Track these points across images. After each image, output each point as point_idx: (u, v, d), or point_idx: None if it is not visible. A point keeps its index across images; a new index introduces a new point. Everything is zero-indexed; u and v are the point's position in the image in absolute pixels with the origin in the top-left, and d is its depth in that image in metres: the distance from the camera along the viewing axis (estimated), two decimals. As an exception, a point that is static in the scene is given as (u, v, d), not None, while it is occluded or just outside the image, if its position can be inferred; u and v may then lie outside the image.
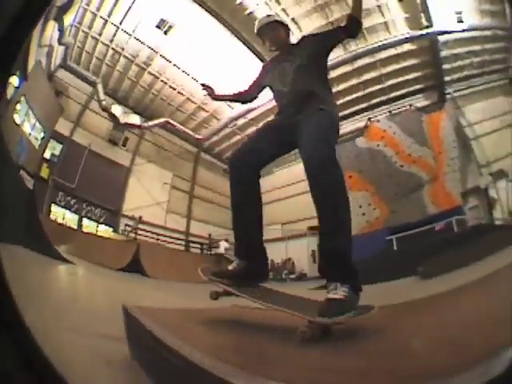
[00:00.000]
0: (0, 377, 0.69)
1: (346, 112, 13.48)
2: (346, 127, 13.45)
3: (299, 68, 2.12)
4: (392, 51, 13.00)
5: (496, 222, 11.30)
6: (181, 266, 9.40)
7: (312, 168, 1.79)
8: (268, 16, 2.44)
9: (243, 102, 2.60)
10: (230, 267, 2.03)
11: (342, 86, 13.56)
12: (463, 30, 12.04)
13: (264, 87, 2.45)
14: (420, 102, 13.44)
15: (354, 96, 13.67)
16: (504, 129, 11.91)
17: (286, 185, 14.52)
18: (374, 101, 13.61)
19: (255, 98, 2.53)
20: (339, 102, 13.62)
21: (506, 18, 11.21)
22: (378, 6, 11.62)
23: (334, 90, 13.75)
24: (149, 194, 13.67)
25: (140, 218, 12.71)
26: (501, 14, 11.22)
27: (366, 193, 12.75)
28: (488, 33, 11.99)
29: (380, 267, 7.75)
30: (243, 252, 2.05)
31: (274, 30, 2.35)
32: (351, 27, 2.16)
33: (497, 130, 12.04)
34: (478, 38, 12.22)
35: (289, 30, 2.43)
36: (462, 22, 12.07)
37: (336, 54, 12.73)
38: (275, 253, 12.84)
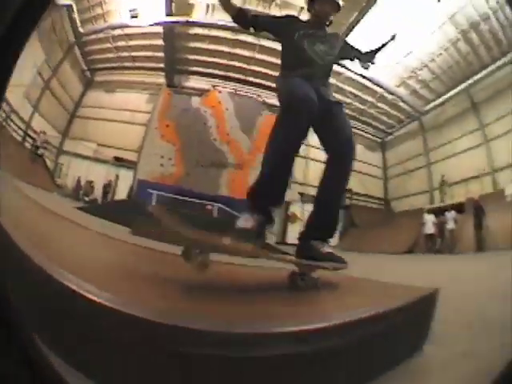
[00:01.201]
0: (0, 377, 0.66)
1: (205, 70, 13.50)
2: (195, 82, 13.55)
3: (332, 53, 2.48)
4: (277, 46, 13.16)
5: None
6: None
7: (348, 150, 2.36)
8: None
9: (236, 21, 2.49)
10: (249, 225, 1.98)
11: (218, 47, 13.47)
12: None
13: (275, 33, 2.60)
14: (275, 99, 13.61)
15: (223, 61, 13.60)
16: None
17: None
18: (236, 75, 13.60)
19: (247, 27, 2.54)
20: (210, 59, 13.72)
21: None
22: None
23: (213, 47, 13.82)
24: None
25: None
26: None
27: (173, 147, 12.74)
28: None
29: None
30: (268, 199, 2.15)
31: (337, 9, 2.48)
32: (367, 61, 2.82)
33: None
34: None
35: None
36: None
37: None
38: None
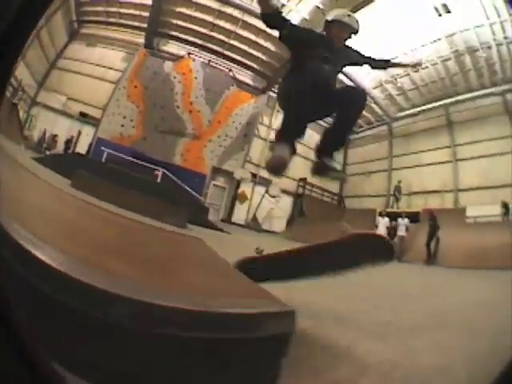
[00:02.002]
0: (0, 377, 0.66)
1: (184, 36, 12.93)
2: (172, 47, 12.95)
3: (336, 71, 2.77)
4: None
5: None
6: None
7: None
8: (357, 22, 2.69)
9: (264, 19, 2.45)
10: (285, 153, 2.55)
11: (203, 16, 13.03)
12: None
13: (297, 39, 2.65)
14: (246, 77, 13.34)
15: (203, 30, 13.12)
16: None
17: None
18: (213, 47, 13.09)
19: (273, 28, 2.58)
20: (191, 26, 13.26)
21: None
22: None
23: (198, 14, 13.36)
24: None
25: None
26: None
27: (136, 108, 12.10)
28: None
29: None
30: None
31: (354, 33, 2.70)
32: (378, 68, 3.06)
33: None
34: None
35: None
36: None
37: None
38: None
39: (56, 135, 12.04)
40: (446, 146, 13.15)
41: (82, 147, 12.20)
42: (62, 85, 12.58)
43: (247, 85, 13.15)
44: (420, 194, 12.61)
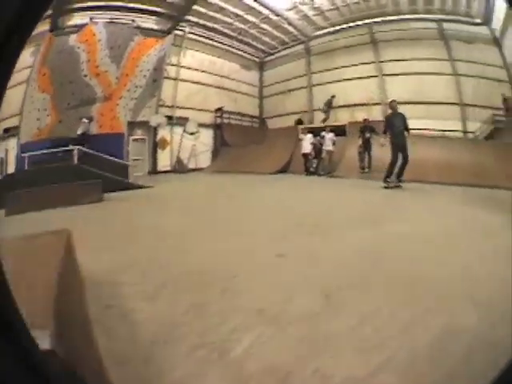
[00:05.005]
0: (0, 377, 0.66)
1: (84, 5, 12.21)
2: (75, 19, 12.27)
3: None
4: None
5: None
6: None
7: None
8: None
9: None
10: None
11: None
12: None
13: None
14: (150, 23, 12.54)
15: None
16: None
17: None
18: (114, 3, 12.01)
19: None
20: None
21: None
22: None
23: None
24: None
25: None
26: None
27: (47, 96, 11.23)
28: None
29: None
30: None
31: None
32: None
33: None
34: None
35: None
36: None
37: None
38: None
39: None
40: (372, 62, 12.72)
41: (11, 163, 11.02)
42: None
43: (152, 30, 12.42)
44: (345, 108, 12.12)
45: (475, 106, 11.77)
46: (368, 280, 2.07)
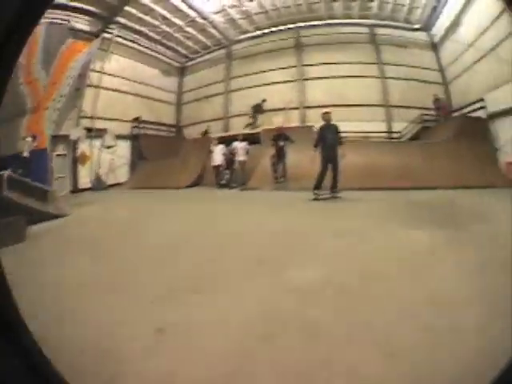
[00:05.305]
0: (0, 377, 0.66)
1: None
2: None
3: None
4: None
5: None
6: None
7: None
8: None
9: None
10: None
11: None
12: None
13: None
14: (83, 24, 11.93)
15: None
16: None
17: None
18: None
19: None
20: None
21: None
22: None
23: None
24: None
25: None
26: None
27: None
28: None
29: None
30: None
31: None
32: None
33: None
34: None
35: None
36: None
37: None
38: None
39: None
40: (294, 66, 12.64)
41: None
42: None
43: (83, 32, 11.73)
44: (264, 113, 11.81)
45: (402, 107, 11.98)
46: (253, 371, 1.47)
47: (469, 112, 10.49)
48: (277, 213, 5.32)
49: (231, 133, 11.73)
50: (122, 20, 12.47)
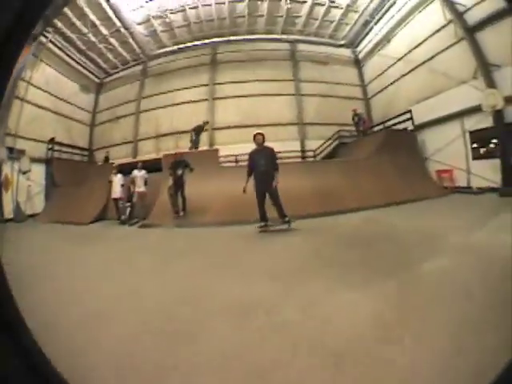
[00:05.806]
0: (0, 377, 0.67)
1: None
2: None
3: None
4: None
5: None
6: None
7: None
8: None
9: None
10: None
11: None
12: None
13: None
14: None
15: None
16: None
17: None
18: None
19: None
20: None
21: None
22: None
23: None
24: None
25: None
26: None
27: None
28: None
29: None
30: None
31: None
32: None
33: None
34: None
35: None
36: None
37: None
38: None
39: None
40: (205, 84, 11.76)
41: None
42: None
43: None
44: (169, 136, 10.58)
45: (318, 124, 11.41)
46: None
47: (393, 124, 9.98)
48: (160, 272, 3.11)
49: (131, 159, 10.22)
50: (58, 24, 11.25)
